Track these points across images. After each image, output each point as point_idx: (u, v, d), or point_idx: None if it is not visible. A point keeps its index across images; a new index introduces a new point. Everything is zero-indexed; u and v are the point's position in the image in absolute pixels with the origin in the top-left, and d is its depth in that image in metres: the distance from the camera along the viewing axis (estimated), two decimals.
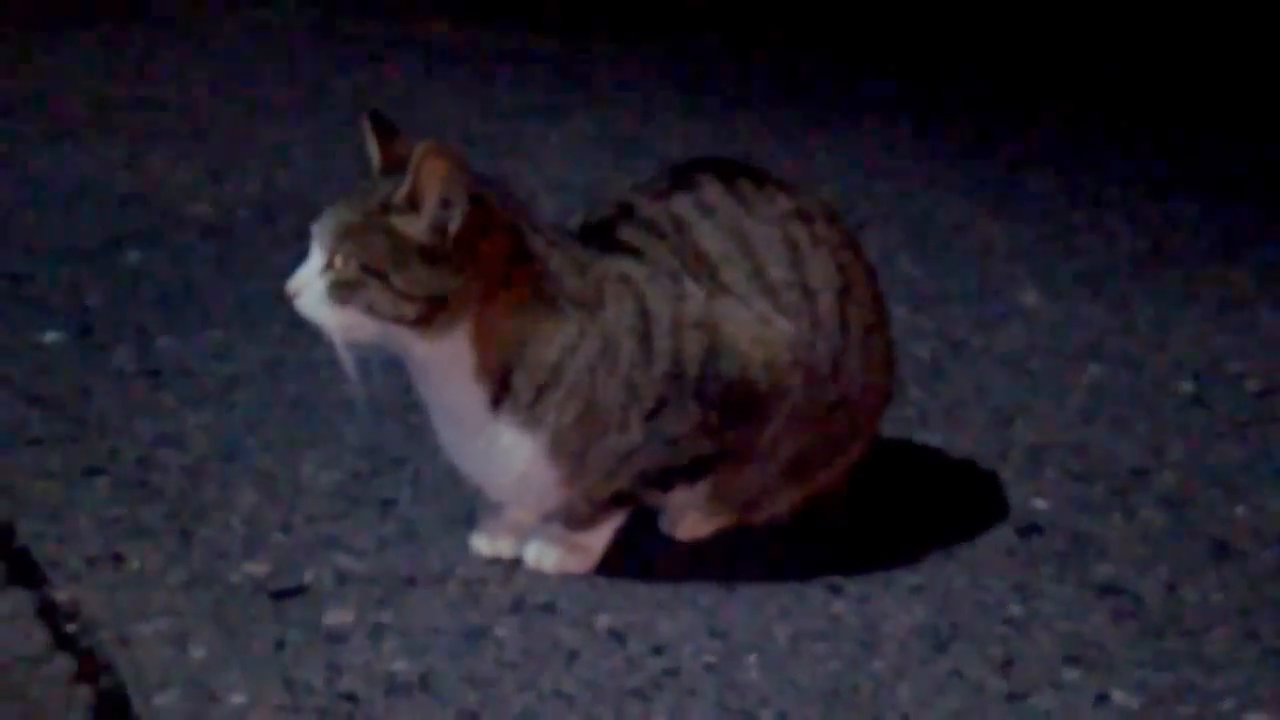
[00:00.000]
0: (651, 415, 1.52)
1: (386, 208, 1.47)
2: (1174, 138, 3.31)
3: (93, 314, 2.17)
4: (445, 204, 1.46)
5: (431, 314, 1.47)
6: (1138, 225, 2.78)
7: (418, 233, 1.46)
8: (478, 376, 1.50)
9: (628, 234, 1.56)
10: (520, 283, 1.50)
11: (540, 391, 1.51)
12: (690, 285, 1.54)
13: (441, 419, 1.56)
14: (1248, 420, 2.05)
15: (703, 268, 1.55)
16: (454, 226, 1.47)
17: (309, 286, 1.48)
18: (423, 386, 1.55)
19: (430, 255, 1.46)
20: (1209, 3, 4.23)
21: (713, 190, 1.59)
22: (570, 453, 1.52)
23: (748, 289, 1.55)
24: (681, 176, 1.61)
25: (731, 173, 1.62)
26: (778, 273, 1.57)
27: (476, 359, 1.50)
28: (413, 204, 1.47)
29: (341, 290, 1.46)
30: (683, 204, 1.57)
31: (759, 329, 1.55)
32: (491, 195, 1.51)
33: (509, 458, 1.53)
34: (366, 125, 1.54)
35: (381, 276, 1.46)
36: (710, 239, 1.56)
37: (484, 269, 1.48)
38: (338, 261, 1.47)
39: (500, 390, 1.51)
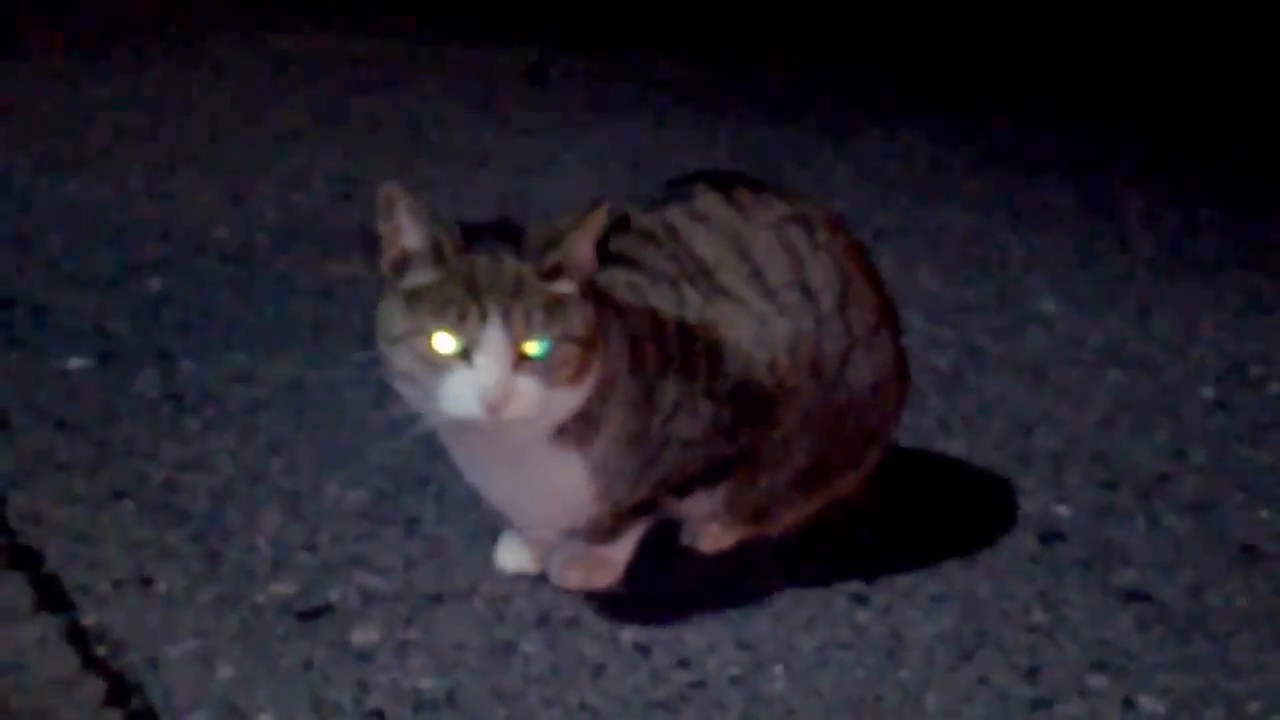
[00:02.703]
0: (668, 419, 1.53)
1: (541, 277, 1.41)
2: (1190, 144, 3.31)
3: (116, 340, 2.19)
4: (596, 250, 1.44)
5: (590, 360, 1.45)
6: (1155, 231, 2.78)
7: (569, 288, 1.43)
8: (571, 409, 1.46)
9: (623, 245, 1.56)
10: (601, 305, 1.48)
11: (603, 402, 1.48)
12: (688, 290, 1.55)
13: (490, 461, 1.51)
14: (1270, 423, 2.05)
15: (699, 272, 1.56)
16: (594, 268, 1.45)
17: (513, 388, 1.38)
18: (474, 439, 1.48)
19: (583, 303, 1.44)
20: (1226, 10, 4.23)
21: (707, 198, 1.60)
22: (608, 468, 1.51)
23: (746, 291, 1.56)
24: (677, 189, 1.62)
25: (728, 182, 1.63)
26: (776, 275, 1.57)
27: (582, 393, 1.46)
28: (568, 264, 1.42)
29: (554, 370, 1.41)
30: (676, 212, 1.58)
31: (758, 330, 1.55)
32: None
33: (556, 482, 1.50)
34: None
35: (577, 340, 1.41)
36: (705, 245, 1.57)
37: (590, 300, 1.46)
38: (534, 348, 1.39)
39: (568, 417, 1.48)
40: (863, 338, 1.61)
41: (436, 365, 1.39)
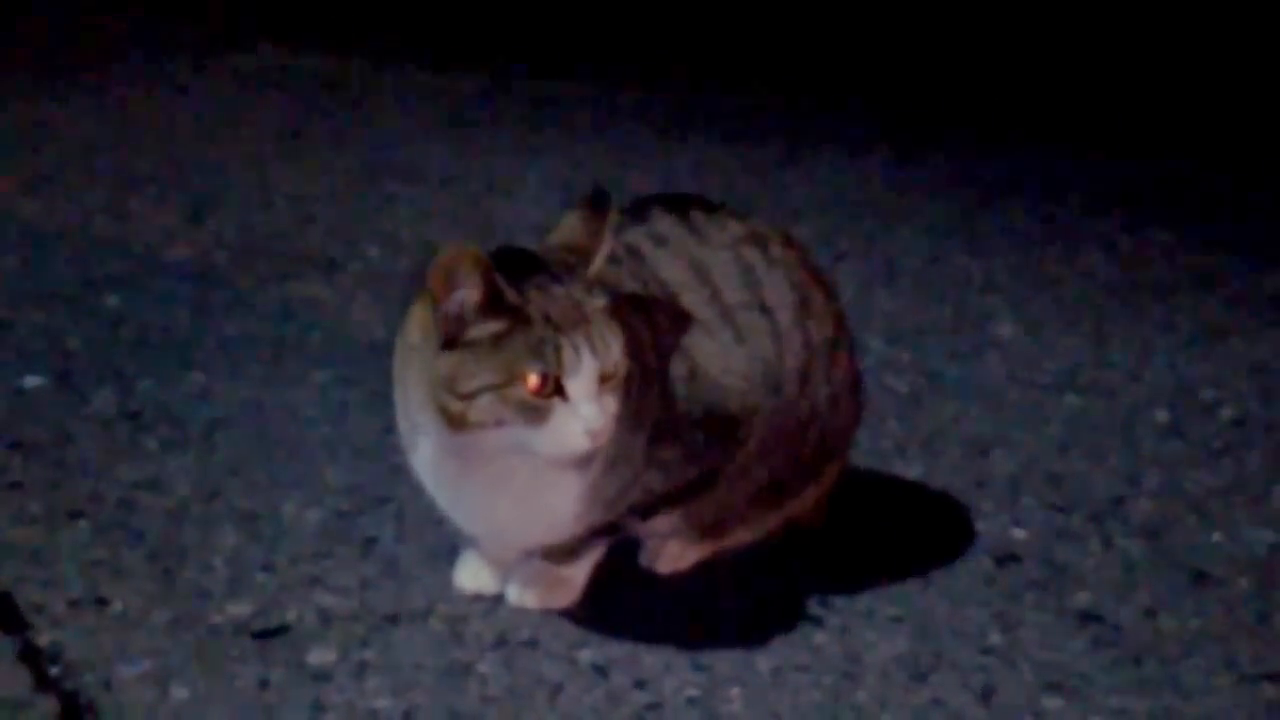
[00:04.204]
0: (651, 442, 1.53)
1: (587, 295, 1.42)
2: (1147, 170, 3.35)
3: (73, 358, 2.18)
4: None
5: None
6: (1112, 256, 2.81)
7: (605, 299, 1.44)
8: None
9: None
10: None
11: None
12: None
13: (478, 485, 1.47)
14: (1223, 448, 2.07)
15: (664, 296, 1.56)
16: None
17: (606, 408, 1.40)
18: (465, 461, 1.45)
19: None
20: (1179, 36, 4.28)
21: (665, 221, 1.61)
22: (597, 489, 1.50)
23: (708, 315, 1.57)
24: (634, 211, 1.62)
25: (683, 204, 1.64)
26: (733, 296, 1.58)
27: None
28: (592, 281, 1.43)
29: (624, 386, 1.42)
30: (636, 235, 1.59)
31: (724, 359, 1.56)
32: None
33: (544, 503, 1.49)
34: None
35: (632, 356, 1.43)
36: (668, 268, 1.58)
37: None
38: (619, 367, 1.41)
39: None
40: (820, 350, 1.62)
41: (533, 408, 1.38)
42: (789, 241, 1.66)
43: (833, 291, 1.68)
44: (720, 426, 1.56)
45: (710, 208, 1.64)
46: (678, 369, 1.54)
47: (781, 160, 3.28)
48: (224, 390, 2.10)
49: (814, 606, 1.64)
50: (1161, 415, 2.16)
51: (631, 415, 1.49)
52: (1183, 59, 4.15)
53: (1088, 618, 1.65)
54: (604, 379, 1.40)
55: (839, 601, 1.65)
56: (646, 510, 1.58)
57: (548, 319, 1.39)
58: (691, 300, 1.57)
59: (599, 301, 1.43)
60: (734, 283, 1.59)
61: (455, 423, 1.41)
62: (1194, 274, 2.73)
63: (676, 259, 1.58)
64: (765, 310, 1.59)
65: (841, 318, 1.67)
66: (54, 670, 1.48)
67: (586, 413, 1.39)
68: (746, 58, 4.15)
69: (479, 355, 1.39)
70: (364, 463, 1.89)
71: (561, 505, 1.50)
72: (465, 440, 1.42)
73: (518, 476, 1.45)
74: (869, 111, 3.72)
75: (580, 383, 1.39)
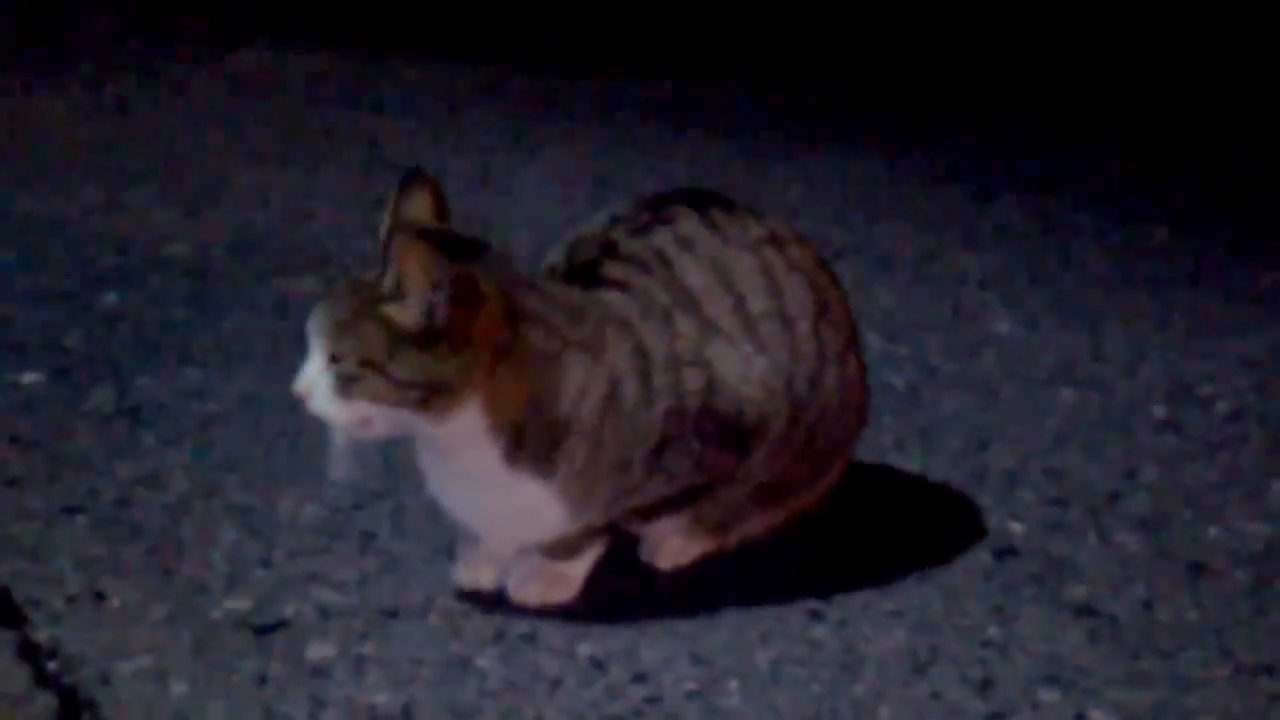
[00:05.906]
0: (654, 453, 1.53)
1: (378, 298, 1.46)
2: (1143, 164, 3.35)
3: (71, 354, 2.18)
4: (433, 288, 1.44)
5: (433, 397, 1.45)
6: (1107, 251, 2.81)
7: (409, 320, 1.44)
8: (493, 439, 1.49)
9: (615, 271, 1.57)
10: (522, 345, 1.49)
11: (556, 440, 1.50)
12: (683, 323, 1.55)
13: (451, 479, 1.55)
14: (1219, 442, 2.07)
15: (688, 302, 1.56)
16: (443, 309, 1.44)
17: (316, 385, 1.47)
18: (432, 455, 1.55)
19: (425, 341, 1.44)
20: (1175, 31, 4.28)
21: (689, 222, 1.60)
22: (579, 493, 1.52)
23: (730, 324, 1.57)
24: (657, 210, 1.62)
25: (703, 202, 1.63)
26: (757, 304, 1.58)
27: (490, 425, 1.48)
28: (399, 291, 1.45)
29: (345, 384, 1.45)
30: (663, 238, 1.58)
31: (744, 368, 1.56)
32: (475, 268, 1.48)
33: (523, 507, 1.53)
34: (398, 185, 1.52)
35: (378, 368, 1.44)
36: (693, 273, 1.57)
37: (484, 342, 1.47)
38: (336, 356, 1.45)
39: (515, 446, 1.50)
40: (832, 357, 1.62)
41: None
42: (804, 242, 1.66)
43: (845, 293, 1.68)
44: (733, 436, 1.57)
45: (729, 206, 1.64)
46: (695, 378, 1.54)
47: (778, 155, 3.28)
48: (221, 386, 2.10)
49: (812, 600, 1.64)
50: (1158, 409, 2.17)
51: (628, 430, 1.51)
52: (1179, 54, 4.16)
53: (1085, 611, 1.66)
54: (332, 358, 1.46)
55: (837, 595, 1.65)
56: (650, 513, 1.59)
57: (336, 285, 1.51)
58: (715, 310, 1.57)
59: (399, 315, 1.45)
60: (757, 290, 1.58)
61: None
62: (1190, 269, 2.73)
63: (701, 264, 1.58)
64: (786, 319, 1.59)
65: (852, 321, 1.68)
66: (52, 666, 1.48)
67: (302, 373, 1.48)
68: (743, 53, 4.15)
69: None
70: (362, 458, 1.89)
71: (538, 506, 1.52)
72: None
73: (480, 473, 1.50)
74: (865, 107, 3.72)
75: (312, 351, 1.47)
